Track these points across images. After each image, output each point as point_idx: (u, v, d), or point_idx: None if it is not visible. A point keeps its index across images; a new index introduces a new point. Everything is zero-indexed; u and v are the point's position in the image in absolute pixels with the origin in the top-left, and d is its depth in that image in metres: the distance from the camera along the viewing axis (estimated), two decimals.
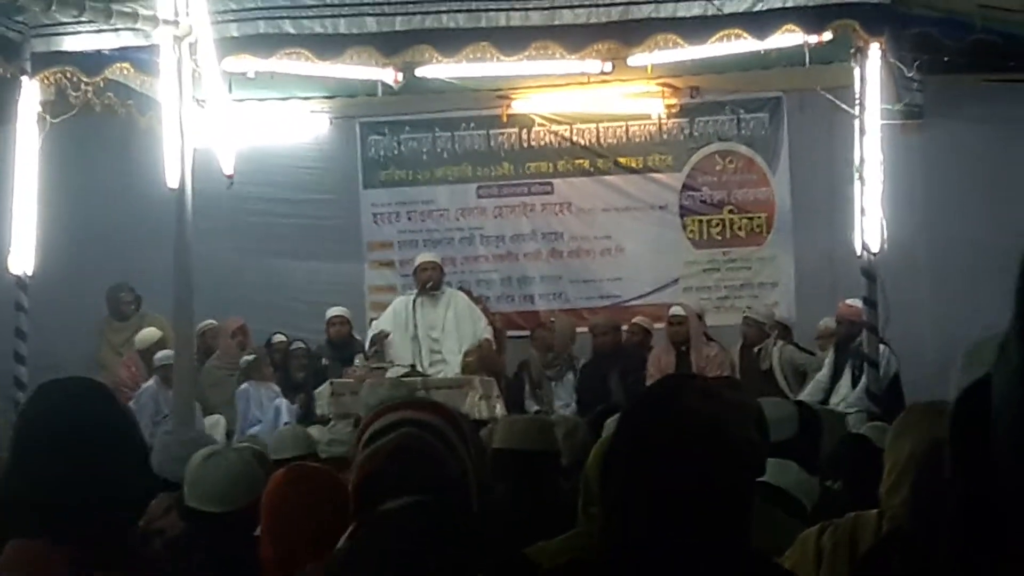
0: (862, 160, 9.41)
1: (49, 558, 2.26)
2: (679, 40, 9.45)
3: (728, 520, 2.25)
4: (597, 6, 9.47)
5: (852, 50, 9.53)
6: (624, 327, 12.32)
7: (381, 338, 11.69)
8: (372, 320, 12.81)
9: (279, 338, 12.32)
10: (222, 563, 3.77)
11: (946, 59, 9.75)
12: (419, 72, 10.91)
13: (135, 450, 2.45)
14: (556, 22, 9.50)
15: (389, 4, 9.64)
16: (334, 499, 3.34)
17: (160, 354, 11.18)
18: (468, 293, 12.40)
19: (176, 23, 8.85)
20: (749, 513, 2.29)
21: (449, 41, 9.61)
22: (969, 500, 1.13)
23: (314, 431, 8.67)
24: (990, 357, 2.70)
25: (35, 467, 2.37)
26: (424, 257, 12.07)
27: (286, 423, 10.61)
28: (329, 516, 3.28)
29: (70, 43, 9.76)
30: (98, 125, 11.25)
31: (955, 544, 1.14)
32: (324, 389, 10.97)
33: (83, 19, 9.34)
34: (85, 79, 9.89)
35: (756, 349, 11.63)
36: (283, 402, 11.28)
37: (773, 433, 5.22)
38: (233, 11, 9.65)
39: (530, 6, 9.52)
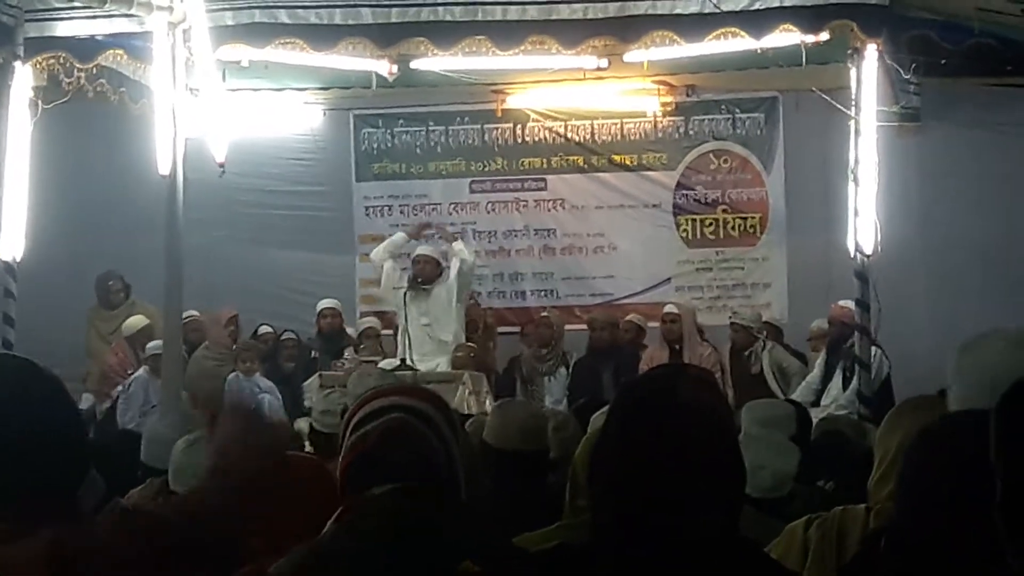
0: (857, 162, 9.36)
1: None
2: (676, 37, 9.41)
3: (719, 507, 2.23)
4: (594, 1, 9.40)
5: (849, 51, 9.46)
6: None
7: (372, 334, 11.63)
8: (362, 314, 12.78)
9: (265, 329, 12.25)
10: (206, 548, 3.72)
11: (944, 62, 9.69)
12: (414, 65, 10.84)
13: (62, 424, 2.40)
14: (552, 17, 9.43)
15: None
16: (324, 488, 3.30)
17: (150, 344, 11.12)
18: None
19: (170, 9, 8.81)
20: (739, 500, 2.27)
21: (444, 34, 9.55)
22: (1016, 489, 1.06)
23: (303, 423, 8.62)
24: (985, 353, 2.64)
25: None
26: (421, 249, 11.91)
27: None
28: (320, 505, 3.23)
29: (63, 28, 9.69)
30: (90, 112, 11.19)
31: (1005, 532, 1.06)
32: (313, 382, 10.93)
33: (77, 4, 9.30)
34: (78, 65, 9.83)
35: (747, 352, 11.58)
36: (267, 397, 11.11)
37: (774, 431, 5.23)
38: None
39: (527, 0, 9.48)
